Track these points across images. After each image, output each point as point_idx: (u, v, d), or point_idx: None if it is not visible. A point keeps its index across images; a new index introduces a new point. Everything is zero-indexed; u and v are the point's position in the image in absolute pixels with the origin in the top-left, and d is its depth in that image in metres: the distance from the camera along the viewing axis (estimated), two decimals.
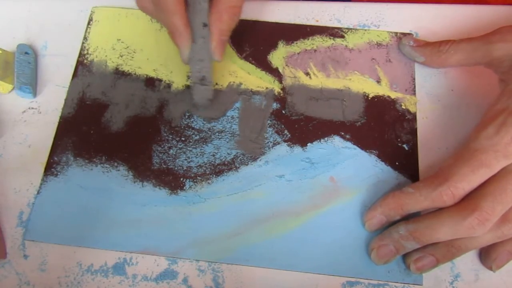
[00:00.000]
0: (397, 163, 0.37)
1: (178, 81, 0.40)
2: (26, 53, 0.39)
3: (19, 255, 0.34)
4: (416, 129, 0.38)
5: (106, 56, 0.41)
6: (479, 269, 0.34)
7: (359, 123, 0.38)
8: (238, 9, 0.35)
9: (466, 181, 0.30)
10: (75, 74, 0.40)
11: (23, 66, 0.39)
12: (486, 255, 0.33)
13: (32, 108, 0.39)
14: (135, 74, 0.40)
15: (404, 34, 0.42)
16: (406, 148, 0.37)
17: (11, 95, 0.39)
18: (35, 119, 0.38)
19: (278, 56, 0.41)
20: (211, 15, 0.34)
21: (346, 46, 0.41)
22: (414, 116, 0.38)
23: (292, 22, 0.42)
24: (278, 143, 0.37)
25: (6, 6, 0.43)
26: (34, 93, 0.39)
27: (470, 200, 0.30)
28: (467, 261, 0.34)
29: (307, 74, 0.40)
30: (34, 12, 0.42)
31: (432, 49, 0.38)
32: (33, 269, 0.33)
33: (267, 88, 0.39)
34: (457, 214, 0.30)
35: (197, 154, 0.37)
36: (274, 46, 0.41)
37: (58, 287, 0.33)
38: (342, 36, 0.42)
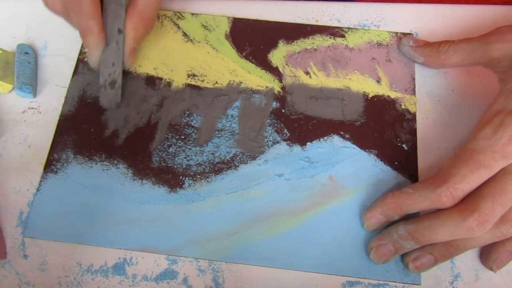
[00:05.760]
0: (396, 163, 0.37)
1: (178, 79, 0.40)
2: (26, 53, 0.39)
3: (19, 255, 0.34)
4: (415, 129, 0.38)
5: None
6: (479, 269, 0.34)
7: (358, 122, 0.38)
8: (152, 21, 0.37)
9: (465, 182, 0.30)
10: (75, 72, 0.40)
11: (23, 66, 0.39)
12: (487, 255, 0.33)
13: (32, 108, 0.39)
14: (135, 72, 0.40)
15: (404, 34, 0.42)
16: (406, 148, 0.37)
17: (11, 95, 0.39)
18: (35, 119, 0.38)
19: (278, 55, 0.41)
20: (126, 23, 0.36)
21: (347, 45, 0.41)
22: (413, 116, 0.38)
23: (292, 22, 0.42)
24: (278, 142, 0.37)
25: (6, 6, 0.43)
26: (34, 93, 0.39)
27: (469, 201, 0.30)
28: (467, 261, 0.34)
29: (307, 73, 0.40)
30: (34, 12, 0.42)
31: (432, 49, 0.38)
32: (33, 269, 0.33)
33: (267, 87, 0.39)
34: (456, 215, 0.30)
35: (196, 153, 0.37)
36: (274, 45, 0.41)
37: (58, 287, 0.33)
38: (343, 36, 0.42)
